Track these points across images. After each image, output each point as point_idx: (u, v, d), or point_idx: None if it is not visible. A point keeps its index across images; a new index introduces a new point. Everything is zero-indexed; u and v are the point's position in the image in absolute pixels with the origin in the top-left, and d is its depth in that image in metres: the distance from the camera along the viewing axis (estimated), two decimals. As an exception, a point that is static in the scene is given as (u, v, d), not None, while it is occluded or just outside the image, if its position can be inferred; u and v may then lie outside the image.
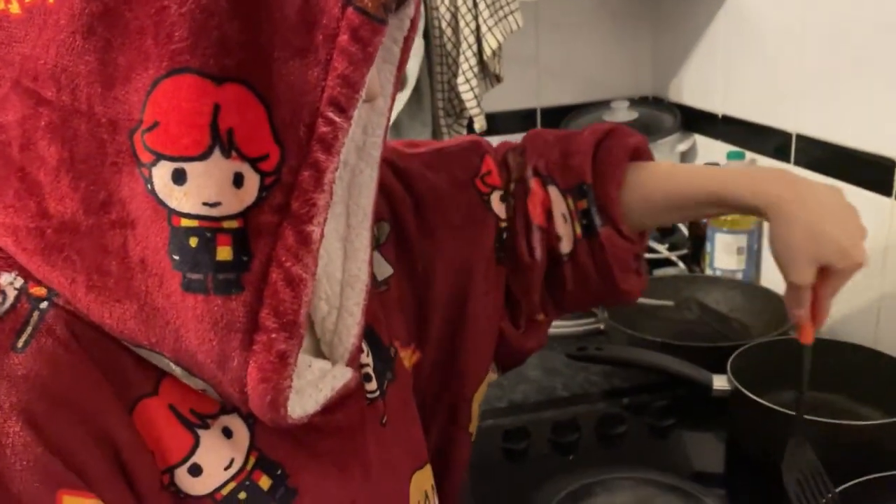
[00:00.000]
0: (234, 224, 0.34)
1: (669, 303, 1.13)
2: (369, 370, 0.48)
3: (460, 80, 1.14)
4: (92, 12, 0.32)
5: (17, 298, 0.35)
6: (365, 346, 0.49)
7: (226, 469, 0.39)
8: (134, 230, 0.34)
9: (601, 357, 0.93)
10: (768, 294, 1.09)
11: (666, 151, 1.38)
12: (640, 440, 0.89)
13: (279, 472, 0.41)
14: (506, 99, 1.45)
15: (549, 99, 1.49)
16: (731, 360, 0.87)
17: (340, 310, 0.45)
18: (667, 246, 1.36)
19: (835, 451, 0.75)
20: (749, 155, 1.19)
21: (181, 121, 0.32)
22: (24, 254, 0.35)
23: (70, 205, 0.34)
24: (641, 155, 0.64)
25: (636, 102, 1.45)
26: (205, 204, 0.33)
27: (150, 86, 0.32)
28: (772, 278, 1.11)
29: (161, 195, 0.33)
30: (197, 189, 0.33)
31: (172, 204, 0.33)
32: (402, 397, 0.52)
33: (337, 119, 0.34)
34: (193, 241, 0.33)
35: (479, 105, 1.15)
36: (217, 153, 0.32)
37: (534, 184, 0.61)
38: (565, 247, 0.62)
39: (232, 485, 0.39)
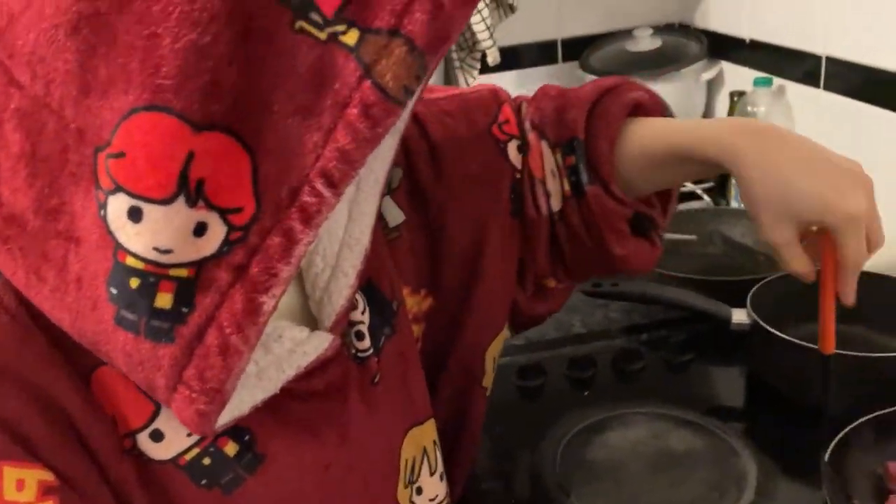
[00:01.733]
0: (182, 272, 0.31)
1: (692, 237, 1.11)
2: (363, 328, 0.46)
3: (472, 10, 1.10)
4: (80, 11, 0.29)
5: None
6: (362, 302, 0.47)
7: (188, 435, 0.39)
8: (77, 247, 0.32)
9: (615, 293, 0.91)
10: (795, 226, 1.06)
11: (691, 80, 1.33)
12: (658, 376, 0.88)
13: (246, 437, 0.40)
14: (523, 30, 1.40)
15: (570, 29, 1.44)
16: (751, 293, 0.85)
17: (335, 269, 0.44)
18: (692, 179, 1.33)
19: (863, 384, 0.73)
20: (777, 81, 1.14)
21: (149, 160, 0.30)
22: None
23: (22, 200, 0.33)
24: (645, 110, 0.60)
25: (660, 30, 1.39)
26: (155, 249, 0.31)
27: (126, 112, 0.30)
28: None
29: (112, 226, 0.31)
30: (151, 232, 0.31)
31: (121, 239, 0.31)
32: (400, 352, 0.50)
33: (325, 193, 0.31)
34: (134, 283, 0.31)
35: (491, 37, 1.11)
36: (181, 201, 0.30)
37: (531, 137, 0.60)
38: (555, 204, 0.59)
39: (196, 450, 0.38)
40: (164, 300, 0.32)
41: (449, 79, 1.20)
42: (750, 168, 0.54)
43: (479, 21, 1.11)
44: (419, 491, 0.51)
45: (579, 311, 1.02)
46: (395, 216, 0.54)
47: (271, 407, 0.40)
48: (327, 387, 0.43)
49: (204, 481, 0.39)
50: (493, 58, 1.14)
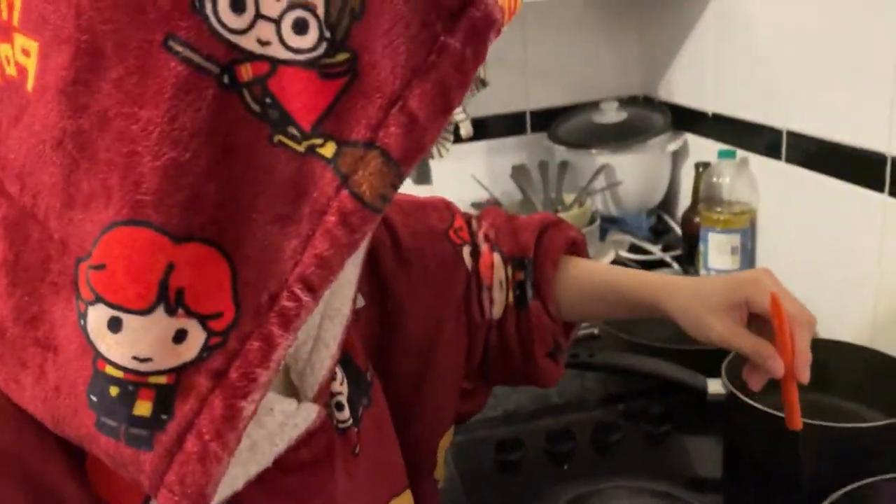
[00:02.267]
0: (161, 380, 0.32)
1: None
2: (342, 398, 0.46)
3: (445, 85, 1.12)
4: (65, 128, 0.30)
5: None
6: (340, 374, 0.47)
7: None
8: (56, 356, 0.32)
9: (593, 364, 0.91)
10: (763, 294, 1.08)
11: (657, 151, 1.37)
12: (636, 447, 0.88)
13: None
14: (493, 102, 1.44)
15: (539, 101, 1.48)
16: (725, 363, 0.85)
17: (317, 341, 0.44)
18: (661, 247, 1.35)
19: (833, 454, 0.74)
20: (740, 153, 1.18)
21: (129, 272, 0.30)
22: None
23: (1, 308, 0.33)
24: (578, 248, 0.70)
25: (626, 102, 1.44)
26: (134, 358, 0.31)
27: (107, 225, 0.30)
28: (767, 277, 1.10)
29: (92, 336, 0.31)
30: (130, 342, 0.31)
31: (101, 348, 0.31)
32: (378, 423, 0.51)
33: (304, 298, 0.32)
34: (114, 391, 0.31)
35: (464, 110, 1.14)
36: (160, 310, 0.30)
37: (485, 248, 0.66)
38: (496, 312, 0.66)
39: None
40: (143, 408, 0.32)
41: (423, 150, 1.22)
42: (672, 297, 0.63)
43: (452, 95, 1.13)
44: None
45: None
46: (357, 302, 0.55)
47: (260, 480, 0.39)
48: (314, 458, 0.43)
49: None
50: (465, 131, 1.16)
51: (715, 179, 1.18)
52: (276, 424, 0.40)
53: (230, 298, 0.31)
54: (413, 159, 0.31)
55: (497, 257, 0.66)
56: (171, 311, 0.30)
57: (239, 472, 0.38)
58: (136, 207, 0.30)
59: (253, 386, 0.32)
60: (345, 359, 0.49)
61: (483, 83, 1.29)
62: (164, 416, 0.32)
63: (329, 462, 0.44)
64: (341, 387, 0.47)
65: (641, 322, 1.08)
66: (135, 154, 0.30)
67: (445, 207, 0.67)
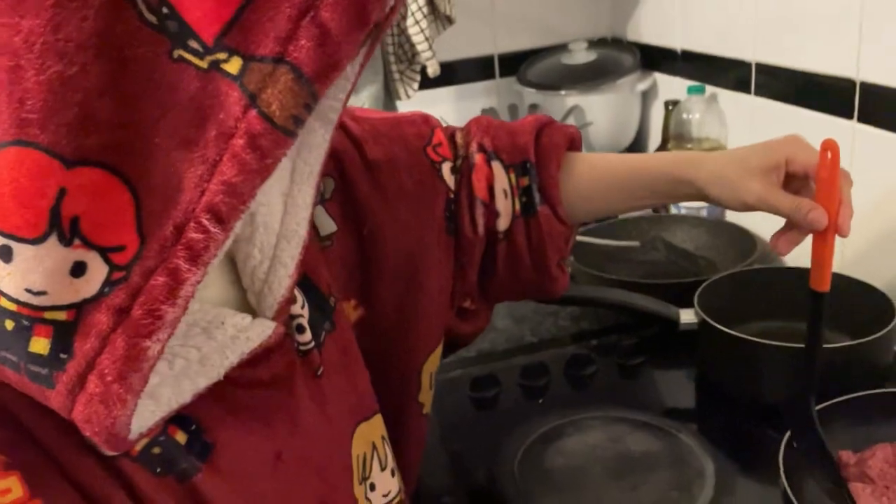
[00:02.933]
0: (60, 316, 0.30)
1: (635, 243, 1.12)
2: (303, 321, 0.45)
3: (409, 21, 1.09)
4: None
5: None
6: (300, 297, 0.46)
7: None
8: None
9: (566, 298, 0.91)
10: (733, 229, 1.08)
11: (626, 91, 1.36)
12: (610, 380, 0.88)
13: (193, 427, 0.39)
14: (461, 46, 1.41)
15: (507, 45, 1.46)
16: (697, 293, 0.86)
17: (273, 261, 0.43)
18: (632, 188, 1.35)
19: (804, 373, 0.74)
20: (709, 89, 1.17)
21: (17, 197, 0.28)
22: None
23: None
24: (576, 145, 0.66)
25: (594, 44, 1.42)
26: (27, 290, 0.29)
27: None
28: (736, 213, 1.10)
29: None
30: (22, 272, 0.29)
31: None
32: (342, 347, 0.50)
33: (213, 229, 0.30)
34: (9, 325, 0.30)
35: (430, 48, 1.11)
36: (53, 239, 0.28)
37: (478, 159, 0.62)
38: (502, 224, 0.62)
39: (144, 441, 0.37)
40: (39, 345, 0.30)
41: (389, 91, 1.19)
42: (703, 167, 0.59)
43: (419, 32, 1.10)
44: (372, 487, 0.50)
45: (529, 320, 1.01)
46: (327, 226, 0.54)
47: (217, 396, 0.39)
48: (273, 377, 0.42)
49: (159, 469, 0.37)
50: (433, 69, 1.14)
51: (684, 116, 1.17)
52: (228, 337, 0.39)
53: (134, 230, 0.29)
54: (327, 76, 0.29)
55: (497, 166, 0.62)
56: (65, 241, 0.28)
57: (187, 386, 0.37)
58: (21, 126, 0.27)
59: (158, 324, 0.30)
60: (306, 283, 0.48)
61: (449, 20, 1.26)
62: (63, 356, 0.30)
63: (290, 381, 0.43)
64: (302, 310, 0.46)
65: (613, 261, 1.09)
66: (18, 68, 0.27)
67: (423, 122, 0.63)
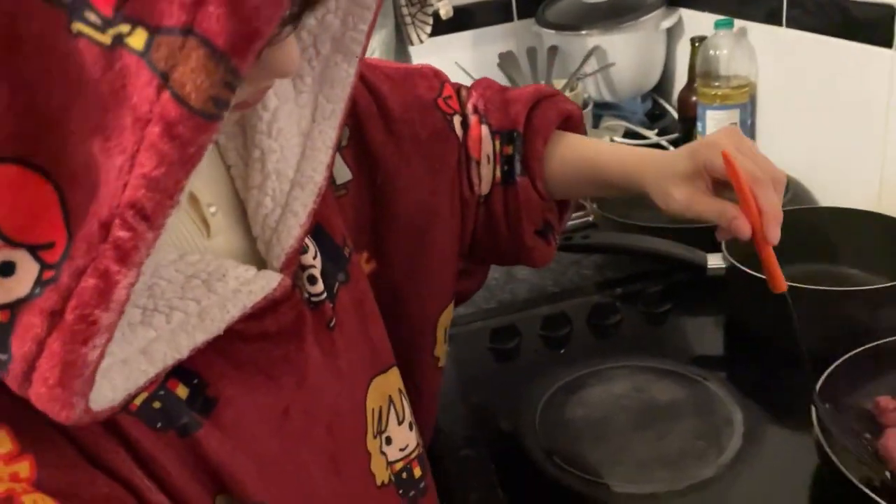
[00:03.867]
0: None
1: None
2: (315, 272, 0.44)
3: (420, -38, 1.05)
4: None
5: None
6: (313, 247, 0.44)
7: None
8: None
9: (588, 245, 0.88)
10: (764, 169, 1.04)
11: (650, 29, 1.30)
12: (635, 329, 0.86)
13: (195, 381, 0.37)
14: (477, -13, 1.36)
15: (524, -16, 1.40)
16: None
17: (285, 209, 0.41)
18: (656, 131, 1.30)
19: (837, 319, 0.71)
20: (738, 23, 1.11)
21: None
22: None
23: None
24: (574, 123, 0.65)
25: (616, -20, 1.35)
26: None
27: None
28: (768, 152, 1.05)
29: None
30: None
31: None
32: (357, 300, 0.48)
33: (139, 227, 0.26)
34: None
35: (443, -10, 1.06)
36: None
37: (473, 120, 0.61)
38: (483, 189, 0.62)
39: (143, 395, 0.36)
40: None
41: (400, 37, 1.15)
42: (645, 173, 0.58)
43: (429, -27, 1.06)
44: (388, 441, 0.49)
45: (551, 270, 0.99)
46: (343, 173, 0.53)
47: (220, 349, 0.37)
48: (280, 329, 0.41)
49: (159, 424, 0.36)
50: (445, 11, 1.09)
51: (712, 53, 1.12)
52: (229, 290, 0.37)
53: (62, 225, 0.27)
54: (245, 49, 0.25)
55: (485, 130, 0.61)
56: None
57: (184, 341, 0.35)
58: None
59: (93, 330, 0.28)
60: (319, 232, 0.46)
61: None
62: (3, 357, 0.28)
63: (298, 333, 0.42)
64: (314, 260, 0.44)
65: (638, 207, 1.05)
66: None
67: (434, 75, 0.62)
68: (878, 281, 0.79)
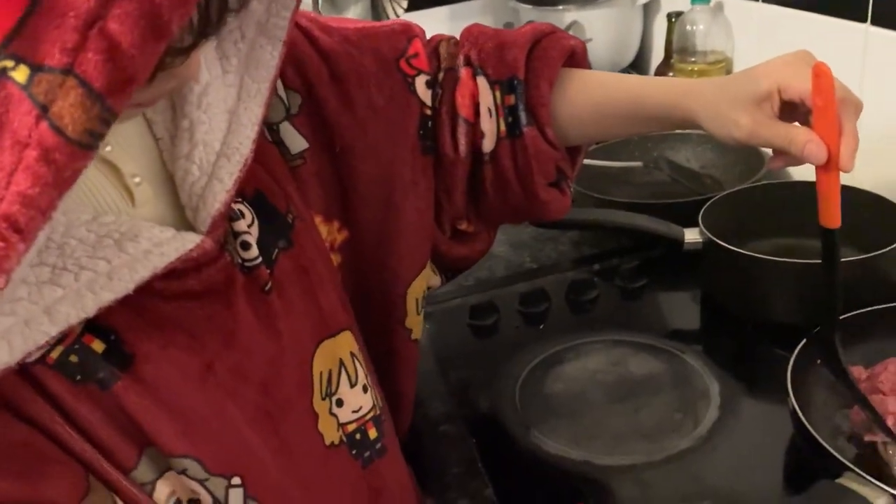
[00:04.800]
0: None
1: (638, 164, 1.08)
2: (249, 238, 0.45)
3: (396, -63, 1.03)
4: None
5: None
6: (250, 214, 0.46)
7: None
8: None
9: (565, 222, 0.87)
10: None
11: (627, 4, 1.30)
12: (612, 304, 0.86)
13: (112, 337, 0.38)
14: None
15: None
16: (701, 212, 0.82)
17: (211, 177, 0.43)
18: (633, 108, 1.30)
19: (810, 291, 0.72)
20: (715, -2, 1.11)
21: None
22: None
23: None
24: (578, 59, 0.61)
25: (593, -45, 1.34)
26: None
27: None
28: (743, 128, 1.06)
29: None
30: None
31: None
32: (301, 266, 0.49)
33: (11, 238, 0.28)
34: None
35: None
36: None
37: (464, 73, 0.58)
38: (487, 145, 0.58)
39: (60, 348, 0.37)
40: None
41: (376, 11, 1.14)
42: (697, 98, 0.55)
43: (404, -54, 1.04)
44: (339, 403, 0.50)
45: (528, 246, 0.99)
46: (298, 143, 0.52)
47: (139, 307, 0.39)
48: (206, 290, 0.42)
49: (78, 377, 0.38)
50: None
51: (689, 28, 1.12)
52: (140, 251, 0.38)
53: None
54: (121, 91, 0.28)
55: (482, 82, 0.57)
56: None
57: (90, 301, 0.36)
58: None
59: None
60: (259, 200, 0.47)
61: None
62: None
63: (227, 295, 0.43)
64: (249, 227, 0.45)
65: (615, 182, 1.06)
66: None
67: (402, 31, 0.58)
68: (849, 254, 0.80)
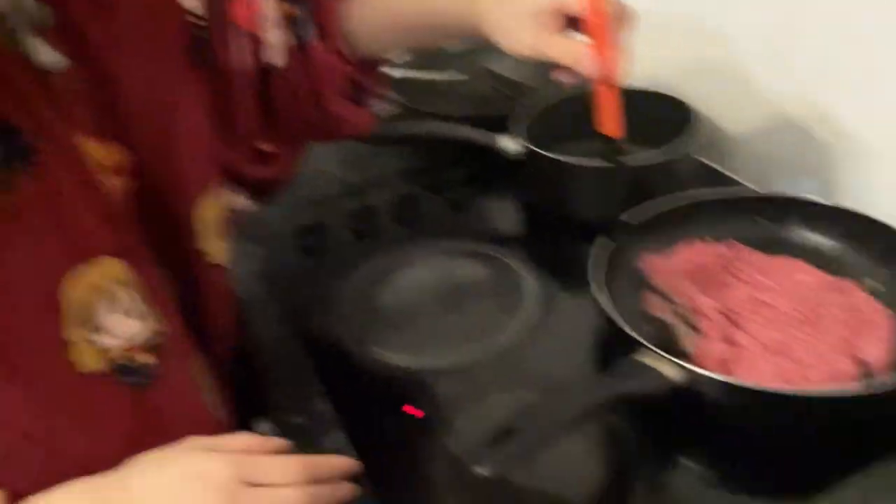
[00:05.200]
0: None
1: (462, 76, 1.09)
2: None
3: None
4: None
5: None
6: None
7: None
8: None
9: (390, 136, 0.88)
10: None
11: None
12: (440, 216, 0.88)
13: None
14: None
15: None
16: (522, 121, 0.85)
17: None
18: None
19: (617, 189, 0.77)
20: None
21: None
22: None
23: None
24: None
25: None
26: None
27: None
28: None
29: None
30: None
31: None
32: (46, 190, 0.46)
33: None
34: None
35: None
36: None
37: None
38: (277, 57, 0.56)
39: None
40: None
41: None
42: (485, 13, 0.56)
43: None
44: (99, 330, 0.48)
45: (353, 164, 0.98)
46: (54, 60, 0.48)
47: None
48: None
49: None
50: None
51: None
52: None
53: None
54: None
55: None
56: None
57: None
58: None
59: None
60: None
61: None
62: None
63: None
64: None
65: (439, 95, 1.06)
66: None
67: None
68: (635, 149, 0.86)
